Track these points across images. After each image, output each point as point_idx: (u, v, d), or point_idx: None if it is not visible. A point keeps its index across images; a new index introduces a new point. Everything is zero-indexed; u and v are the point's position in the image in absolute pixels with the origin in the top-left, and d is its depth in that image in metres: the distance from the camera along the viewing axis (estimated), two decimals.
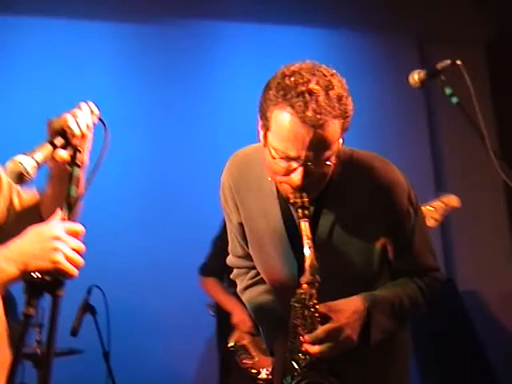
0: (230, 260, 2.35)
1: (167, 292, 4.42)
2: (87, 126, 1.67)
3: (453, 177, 5.51)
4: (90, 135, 1.70)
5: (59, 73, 4.47)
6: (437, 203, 3.61)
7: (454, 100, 1.88)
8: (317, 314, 1.91)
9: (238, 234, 2.21)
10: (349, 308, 1.94)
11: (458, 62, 1.88)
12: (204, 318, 3.96)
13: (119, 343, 3.66)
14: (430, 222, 3.59)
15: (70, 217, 1.54)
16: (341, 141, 1.90)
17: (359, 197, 2.00)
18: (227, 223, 2.24)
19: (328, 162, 1.86)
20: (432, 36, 5.49)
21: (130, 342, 4.17)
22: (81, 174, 1.66)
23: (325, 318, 1.91)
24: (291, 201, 1.91)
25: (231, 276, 2.37)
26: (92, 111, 1.70)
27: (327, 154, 1.83)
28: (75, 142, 1.63)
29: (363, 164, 2.03)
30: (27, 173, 1.49)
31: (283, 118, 1.80)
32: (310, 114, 1.76)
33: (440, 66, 1.92)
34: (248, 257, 2.23)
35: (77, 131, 1.63)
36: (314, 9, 5.17)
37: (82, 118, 1.65)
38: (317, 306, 1.91)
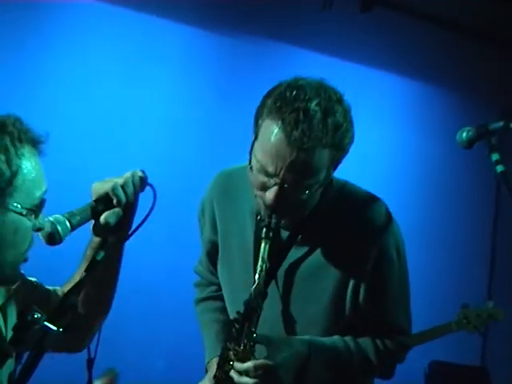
0: (197, 268, 2.30)
1: (164, 305, 4.23)
2: (134, 193, 1.61)
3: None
4: (135, 203, 1.65)
5: (115, 65, 4.33)
6: (482, 311, 3.70)
7: (500, 168, 1.62)
8: (252, 343, 1.80)
9: (206, 250, 2.16)
10: (288, 350, 1.81)
11: None
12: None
13: (107, 352, 3.45)
14: (470, 328, 3.71)
15: (87, 280, 1.47)
16: (329, 172, 1.79)
17: (342, 233, 1.86)
18: (200, 236, 2.19)
19: (307, 192, 1.73)
20: None
21: (119, 354, 3.96)
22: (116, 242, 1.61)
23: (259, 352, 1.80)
24: (260, 218, 1.83)
25: (193, 283, 2.33)
26: (141, 178, 1.62)
27: (308, 181, 1.71)
28: (118, 209, 1.58)
29: (354, 200, 1.92)
30: (59, 237, 1.44)
31: (270, 131, 1.69)
32: (297, 134, 1.64)
33: (492, 126, 1.66)
34: (213, 273, 2.18)
35: (123, 199, 1.56)
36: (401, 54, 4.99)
37: (130, 186, 1.58)
38: (254, 335, 1.80)
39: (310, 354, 1.83)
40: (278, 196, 1.71)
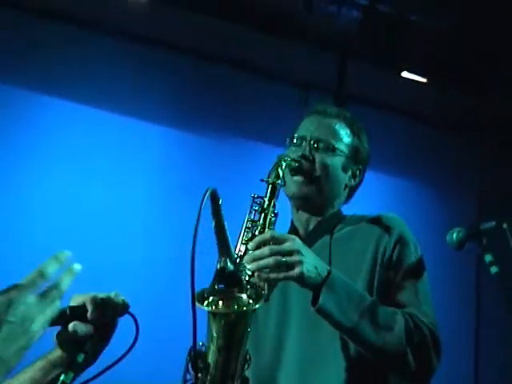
0: None
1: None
2: (112, 315, 1.45)
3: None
4: (110, 329, 1.47)
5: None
6: None
7: (494, 269, 1.61)
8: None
9: None
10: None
11: (504, 226, 1.60)
12: None
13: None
14: None
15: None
16: (349, 163, 2.10)
17: (363, 239, 1.99)
18: None
19: (328, 155, 2.02)
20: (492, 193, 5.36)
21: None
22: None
23: None
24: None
25: None
26: (124, 303, 1.47)
27: (330, 141, 2.04)
28: (92, 329, 1.41)
29: (372, 217, 2.07)
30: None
31: (306, 118, 2.15)
32: (322, 107, 2.12)
33: (483, 227, 1.65)
34: None
35: (97, 315, 1.41)
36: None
37: (110, 303, 1.44)
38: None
39: (330, 271, 1.76)
40: (308, 147, 2.02)
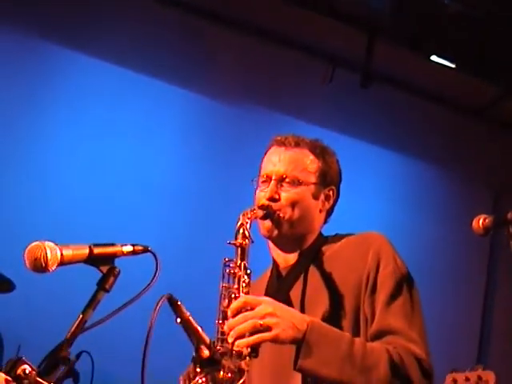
0: None
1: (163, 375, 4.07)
2: (132, 253, 1.54)
3: (499, 341, 5.14)
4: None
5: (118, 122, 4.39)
6: (473, 374, 3.41)
7: None
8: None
9: None
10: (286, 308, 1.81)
11: None
12: None
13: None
14: None
15: (70, 342, 1.39)
16: (319, 190, 2.08)
17: (345, 261, 1.98)
18: None
19: (295, 189, 2.01)
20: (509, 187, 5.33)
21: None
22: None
23: None
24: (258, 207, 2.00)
25: None
26: (144, 247, 1.58)
27: (298, 173, 2.03)
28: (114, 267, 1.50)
29: (353, 237, 2.07)
30: (46, 263, 1.34)
31: (267, 153, 2.13)
32: (283, 138, 2.09)
33: (511, 215, 1.66)
34: None
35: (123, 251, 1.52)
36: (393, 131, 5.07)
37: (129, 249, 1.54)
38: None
39: (309, 323, 1.74)
40: (273, 187, 2.02)
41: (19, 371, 1.25)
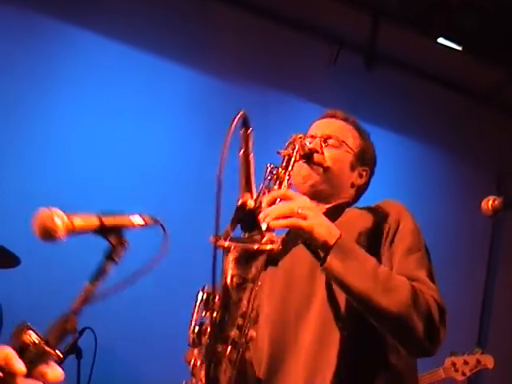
0: None
1: (165, 352, 4.08)
2: (138, 225, 1.43)
3: (499, 325, 5.17)
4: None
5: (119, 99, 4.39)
6: (471, 358, 3.58)
7: None
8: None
9: None
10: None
11: None
12: None
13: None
14: (458, 375, 3.59)
15: (77, 312, 1.28)
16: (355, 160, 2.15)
17: (367, 220, 2.00)
18: None
19: (337, 150, 2.09)
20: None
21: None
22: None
23: None
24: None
25: None
26: (155, 219, 1.48)
27: (339, 137, 2.11)
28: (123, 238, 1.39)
29: (376, 204, 2.08)
30: (55, 231, 1.25)
31: (316, 122, 2.22)
32: (333, 111, 2.21)
33: None
34: None
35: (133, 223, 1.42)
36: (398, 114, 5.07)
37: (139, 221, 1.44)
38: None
39: (341, 233, 1.73)
40: (318, 141, 2.07)
41: (25, 338, 1.19)
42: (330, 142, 2.10)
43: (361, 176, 2.18)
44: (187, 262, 4.22)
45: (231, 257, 1.53)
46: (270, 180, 1.79)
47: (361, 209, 2.08)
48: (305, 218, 1.66)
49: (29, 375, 1.11)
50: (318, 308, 1.89)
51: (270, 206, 1.66)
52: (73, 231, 1.28)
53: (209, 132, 4.54)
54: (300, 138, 1.92)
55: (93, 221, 1.35)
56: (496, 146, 5.31)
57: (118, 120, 4.29)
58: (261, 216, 1.62)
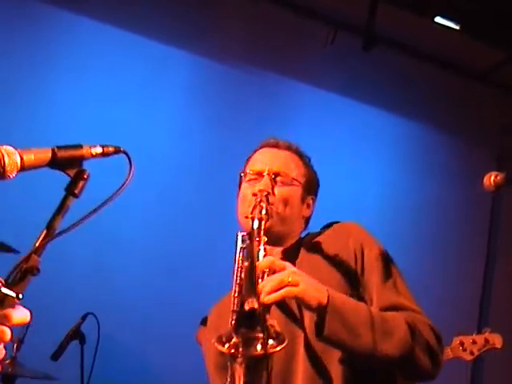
0: None
1: (167, 338, 4.10)
2: (102, 154, 1.37)
3: (500, 303, 5.18)
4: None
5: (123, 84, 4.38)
6: (479, 337, 3.51)
7: None
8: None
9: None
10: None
11: None
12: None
13: (100, 380, 3.41)
14: (466, 355, 3.53)
15: (39, 251, 1.22)
16: (306, 188, 2.09)
17: (328, 253, 1.97)
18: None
19: (288, 187, 2.03)
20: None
21: (112, 383, 3.89)
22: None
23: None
24: (252, 204, 1.94)
25: None
26: (116, 148, 1.41)
27: (288, 173, 2.05)
28: (82, 170, 1.33)
29: (330, 231, 2.07)
30: (3, 169, 1.19)
31: (258, 152, 2.15)
32: (275, 141, 2.13)
33: None
34: None
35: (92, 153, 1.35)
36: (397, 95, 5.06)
37: (97, 151, 1.37)
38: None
39: (329, 292, 1.71)
40: (267, 181, 2.01)
41: None
42: (279, 179, 2.04)
43: (308, 206, 2.13)
44: (189, 251, 4.24)
45: (239, 364, 1.53)
46: (245, 249, 1.81)
47: (317, 240, 2.04)
48: (296, 285, 1.65)
49: None
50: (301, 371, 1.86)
51: (258, 274, 1.66)
52: (23, 168, 1.23)
53: (210, 118, 4.56)
54: (264, 194, 1.93)
55: (46, 155, 1.28)
56: (495, 125, 5.31)
57: (118, 106, 4.28)
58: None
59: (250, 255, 1.47)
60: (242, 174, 2.11)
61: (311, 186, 2.13)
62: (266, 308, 1.62)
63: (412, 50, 5.09)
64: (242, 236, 1.85)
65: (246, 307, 1.51)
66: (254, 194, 1.96)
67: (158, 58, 4.45)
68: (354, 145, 4.95)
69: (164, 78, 4.48)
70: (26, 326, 3.00)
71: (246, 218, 1.93)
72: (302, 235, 2.12)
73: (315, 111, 4.87)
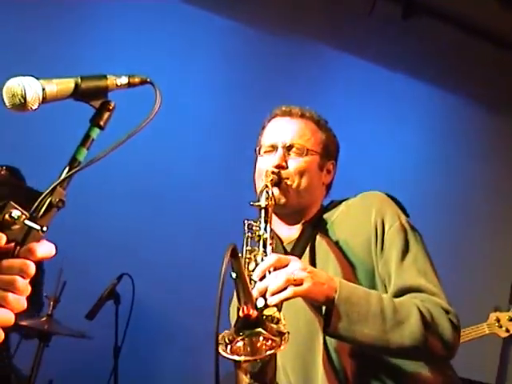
0: None
1: (200, 300, 4.12)
2: (128, 85, 1.30)
3: None
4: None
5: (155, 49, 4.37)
6: None
7: None
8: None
9: None
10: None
11: None
12: None
13: (134, 340, 3.47)
14: (501, 332, 3.53)
15: (64, 184, 1.17)
16: (323, 155, 2.05)
17: (350, 225, 1.96)
18: None
19: (303, 158, 2.00)
20: None
21: (145, 343, 3.95)
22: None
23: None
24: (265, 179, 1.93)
25: None
26: (142, 78, 1.34)
27: (302, 143, 2.01)
28: (108, 101, 1.25)
29: (354, 201, 2.04)
30: (24, 98, 1.14)
31: (271, 123, 2.11)
32: (288, 108, 2.09)
33: None
34: None
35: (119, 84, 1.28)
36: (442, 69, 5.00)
37: (122, 81, 1.29)
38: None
39: (338, 281, 1.70)
40: (281, 154, 1.99)
41: (6, 216, 1.14)
42: (293, 150, 2.01)
43: (329, 172, 2.10)
44: (222, 217, 4.25)
45: (243, 369, 1.51)
46: (251, 238, 1.80)
47: (340, 211, 2.03)
48: (301, 283, 1.63)
49: (17, 255, 1.05)
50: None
51: (261, 279, 1.64)
52: (45, 100, 1.18)
53: (245, 81, 4.54)
54: (270, 178, 1.91)
55: (69, 85, 1.23)
56: None
57: (154, 69, 4.28)
58: (255, 293, 1.61)
59: (238, 269, 1.42)
60: (257, 148, 2.09)
61: (330, 151, 2.10)
62: (278, 305, 1.61)
63: (451, 20, 5.00)
64: (248, 224, 1.82)
65: (241, 314, 1.50)
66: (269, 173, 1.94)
67: (198, 22, 4.45)
68: (390, 114, 4.89)
69: (203, 42, 4.48)
70: (61, 285, 3.07)
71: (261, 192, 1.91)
72: (326, 202, 2.10)
73: (353, 79, 4.83)
